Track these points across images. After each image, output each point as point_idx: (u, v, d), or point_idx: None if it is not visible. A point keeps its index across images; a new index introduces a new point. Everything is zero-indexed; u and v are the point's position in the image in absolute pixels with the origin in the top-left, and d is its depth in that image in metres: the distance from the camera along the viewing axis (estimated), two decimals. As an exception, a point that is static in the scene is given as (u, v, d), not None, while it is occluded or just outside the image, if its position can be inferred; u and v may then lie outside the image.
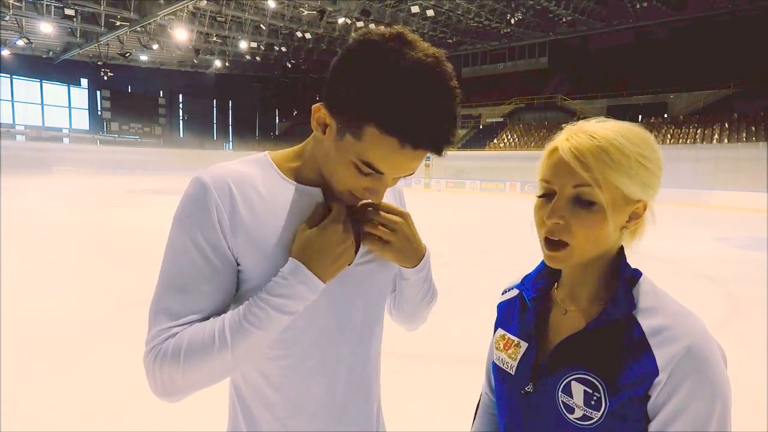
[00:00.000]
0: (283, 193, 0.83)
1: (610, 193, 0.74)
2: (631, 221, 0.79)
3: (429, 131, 0.71)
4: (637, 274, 0.81)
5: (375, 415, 0.96)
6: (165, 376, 0.73)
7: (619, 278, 0.80)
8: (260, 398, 0.85)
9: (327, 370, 0.86)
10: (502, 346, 0.91)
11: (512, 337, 0.90)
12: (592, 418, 0.73)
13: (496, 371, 0.91)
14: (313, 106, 0.78)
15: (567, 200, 0.76)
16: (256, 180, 0.82)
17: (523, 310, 0.92)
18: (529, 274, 0.95)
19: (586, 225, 0.75)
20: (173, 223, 0.79)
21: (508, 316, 0.95)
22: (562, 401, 0.77)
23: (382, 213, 0.88)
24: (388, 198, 0.95)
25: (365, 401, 0.93)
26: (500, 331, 0.94)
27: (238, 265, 0.80)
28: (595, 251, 0.78)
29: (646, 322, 0.75)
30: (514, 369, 0.86)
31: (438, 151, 0.73)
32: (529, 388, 0.82)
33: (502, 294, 1.01)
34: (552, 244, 0.79)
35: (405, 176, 0.80)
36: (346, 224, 0.81)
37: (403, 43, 0.71)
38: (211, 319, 0.77)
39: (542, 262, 0.93)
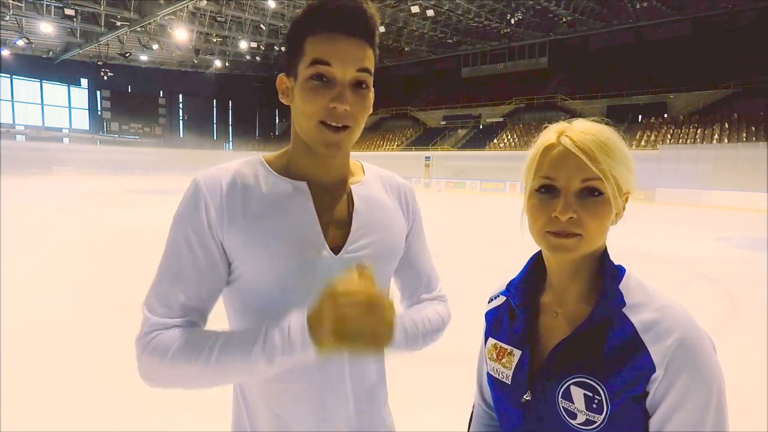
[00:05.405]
0: (271, 186, 0.89)
1: (612, 184, 0.76)
2: (619, 213, 0.80)
3: (342, 15, 0.82)
4: (621, 270, 0.81)
5: (376, 413, 0.96)
6: (151, 366, 0.80)
7: (604, 276, 0.80)
8: (261, 395, 0.88)
9: (325, 366, 0.87)
10: (495, 356, 0.89)
11: (504, 346, 0.88)
12: (595, 422, 0.73)
13: (492, 382, 0.89)
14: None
15: (576, 194, 0.76)
16: (247, 176, 0.89)
17: (512, 317, 0.90)
18: (514, 279, 0.93)
19: (597, 216, 0.76)
20: (172, 221, 0.87)
21: (498, 324, 0.93)
22: (563, 407, 0.76)
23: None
24: (393, 200, 1.00)
25: (367, 399, 0.93)
26: (491, 341, 0.92)
27: (227, 256, 0.86)
28: (599, 242, 0.79)
29: (636, 318, 0.75)
30: (510, 378, 0.84)
31: (353, 31, 0.82)
32: (527, 397, 0.81)
33: (489, 302, 0.98)
34: (563, 236, 0.77)
35: (357, 73, 0.83)
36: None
37: None
38: (207, 330, 0.83)
39: (525, 267, 0.91)
